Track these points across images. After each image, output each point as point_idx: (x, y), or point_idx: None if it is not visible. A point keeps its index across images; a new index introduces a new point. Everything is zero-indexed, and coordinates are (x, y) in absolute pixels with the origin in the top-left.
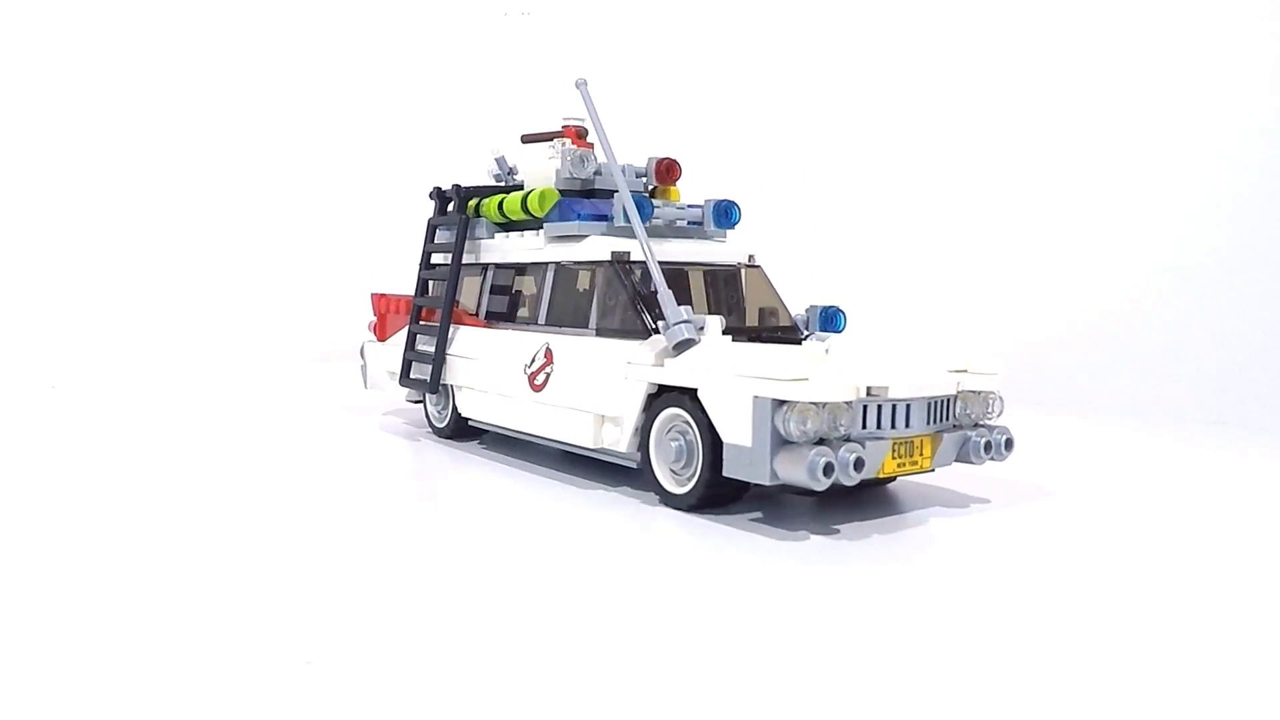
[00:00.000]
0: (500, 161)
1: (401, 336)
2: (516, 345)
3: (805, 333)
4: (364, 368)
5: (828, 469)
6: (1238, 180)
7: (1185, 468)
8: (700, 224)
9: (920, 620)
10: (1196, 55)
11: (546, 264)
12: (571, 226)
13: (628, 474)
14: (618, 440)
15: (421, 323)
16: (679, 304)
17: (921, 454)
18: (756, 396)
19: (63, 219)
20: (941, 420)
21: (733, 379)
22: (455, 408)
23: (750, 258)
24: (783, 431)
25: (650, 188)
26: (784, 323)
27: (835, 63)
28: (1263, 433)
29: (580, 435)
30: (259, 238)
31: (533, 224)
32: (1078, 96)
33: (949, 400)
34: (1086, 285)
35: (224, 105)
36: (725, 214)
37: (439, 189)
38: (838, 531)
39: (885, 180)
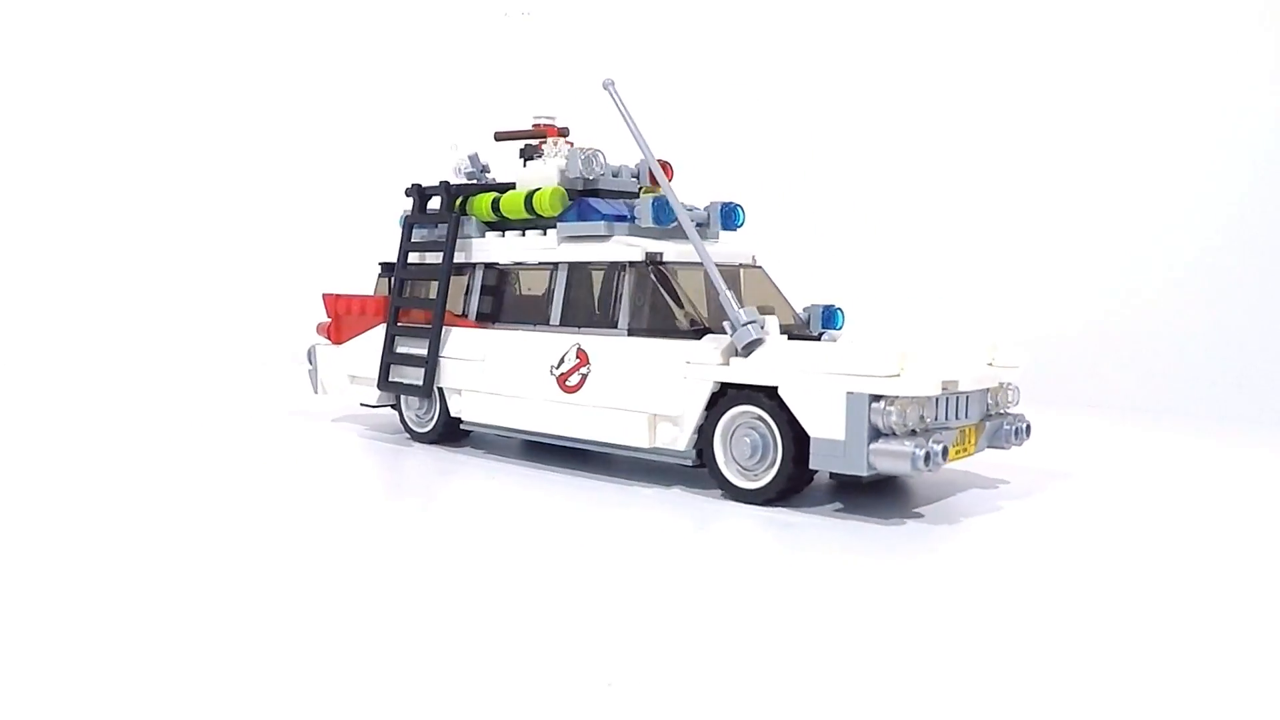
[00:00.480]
0: (473, 159)
1: (363, 340)
2: (536, 346)
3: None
4: (313, 372)
5: (927, 458)
6: (1245, 176)
7: (1188, 462)
8: (705, 225)
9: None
10: (1207, 56)
11: (559, 264)
12: (599, 226)
13: (667, 472)
14: (675, 439)
15: (402, 324)
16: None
17: (970, 442)
18: (850, 393)
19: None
20: (984, 410)
21: (823, 376)
22: (445, 411)
23: (753, 258)
24: (881, 426)
25: (641, 188)
26: (788, 321)
27: (835, 62)
28: (1264, 428)
29: (632, 436)
30: (239, 239)
31: (533, 223)
32: (1079, 97)
33: (989, 391)
34: (1082, 284)
35: (211, 103)
36: (731, 216)
37: (418, 186)
38: (922, 516)
39: (884, 180)
